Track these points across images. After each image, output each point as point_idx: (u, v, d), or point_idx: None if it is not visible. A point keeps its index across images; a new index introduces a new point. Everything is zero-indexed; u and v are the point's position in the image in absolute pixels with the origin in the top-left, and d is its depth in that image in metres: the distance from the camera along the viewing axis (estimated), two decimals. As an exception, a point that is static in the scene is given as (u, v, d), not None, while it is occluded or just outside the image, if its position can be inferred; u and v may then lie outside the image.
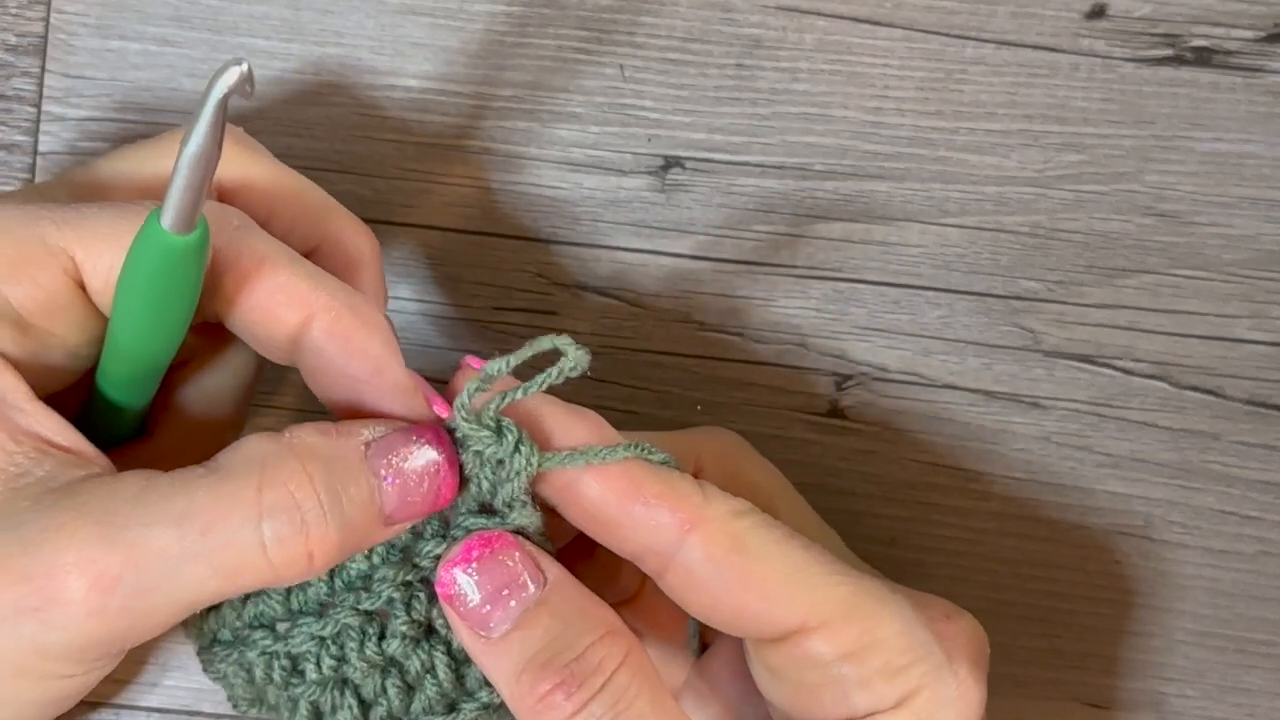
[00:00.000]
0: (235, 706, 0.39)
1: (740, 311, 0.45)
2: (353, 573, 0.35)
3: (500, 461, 0.34)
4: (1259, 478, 0.45)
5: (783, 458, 0.45)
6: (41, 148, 0.44)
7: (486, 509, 0.35)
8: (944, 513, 0.45)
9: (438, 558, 0.34)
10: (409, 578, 0.34)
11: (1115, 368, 0.45)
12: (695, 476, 0.35)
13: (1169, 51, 0.44)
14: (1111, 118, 0.44)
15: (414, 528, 0.35)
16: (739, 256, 0.45)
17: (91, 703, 0.46)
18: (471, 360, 0.35)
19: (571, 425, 0.34)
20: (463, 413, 0.33)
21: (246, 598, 0.36)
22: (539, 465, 0.34)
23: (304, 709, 0.36)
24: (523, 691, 0.32)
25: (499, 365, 0.33)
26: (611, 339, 0.45)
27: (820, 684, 0.34)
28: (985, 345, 0.45)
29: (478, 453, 0.34)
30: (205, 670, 0.38)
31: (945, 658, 0.35)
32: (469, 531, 0.34)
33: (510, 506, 0.34)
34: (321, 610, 0.35)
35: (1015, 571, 0.46)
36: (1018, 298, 0.45)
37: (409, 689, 0.35)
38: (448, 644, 0.35)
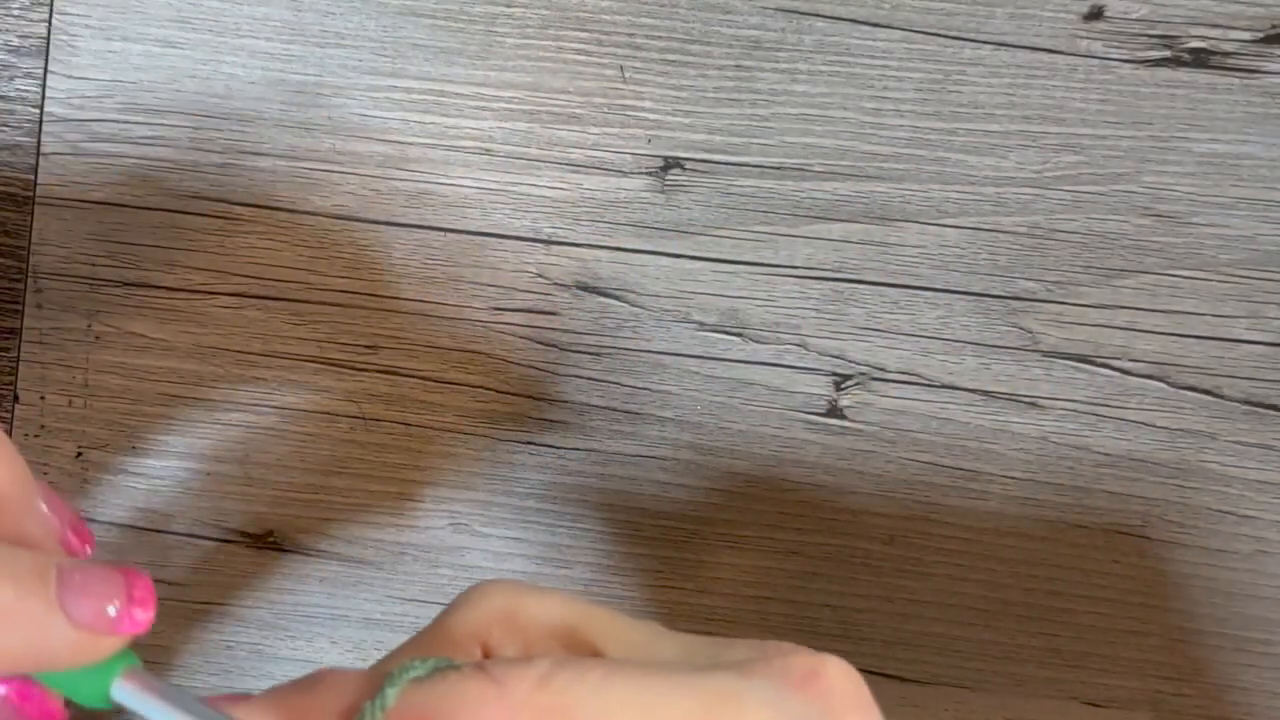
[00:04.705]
0: None
1: (740, 311, 0.45)
2: None
3: None
4: (1256, 477, 0.45)
5: (782, 457, 0.45)
6: (44, 149, 0.45)
7: None
8: (943, 512, 0.46)
9: None
10: None
11: (1113, 368, 0.45)
12: (485, 655, 0.31)
13: (1166, 53, 0.44)
14: (1109, 119, 0.44)
15: None
16: (739, 257, 0.45)
17: (93, 701, 0.46)
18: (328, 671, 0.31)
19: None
20: None
21: None
22: None
23: None
24: None
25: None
26: (611, 339, 0.45)
27: None
28: (983, 345, 0.45)
29: None
30: None
31: None
32: None
33: None
34: None
35: (1014, 571, 0.46)
36: (1016, 298, 0.45)
37: None
38: None
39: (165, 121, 0.44)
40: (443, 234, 0.45)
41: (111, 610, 0.28)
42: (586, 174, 0.44)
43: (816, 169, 0.44)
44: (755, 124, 0.44)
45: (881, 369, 0.45)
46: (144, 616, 0.29)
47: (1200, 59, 0.44)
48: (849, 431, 0.45)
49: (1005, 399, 0.45)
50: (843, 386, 0.45)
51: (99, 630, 0.28)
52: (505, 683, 0.29)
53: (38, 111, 0.44)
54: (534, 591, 0.33)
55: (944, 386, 0.45)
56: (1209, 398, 0.45)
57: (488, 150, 0.44)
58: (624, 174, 0.44)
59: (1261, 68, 0.44)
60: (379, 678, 0.29)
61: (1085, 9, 0.44)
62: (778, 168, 0.44)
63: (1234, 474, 0.45)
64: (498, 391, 0.45)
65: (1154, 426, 0.45)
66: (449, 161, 0.45)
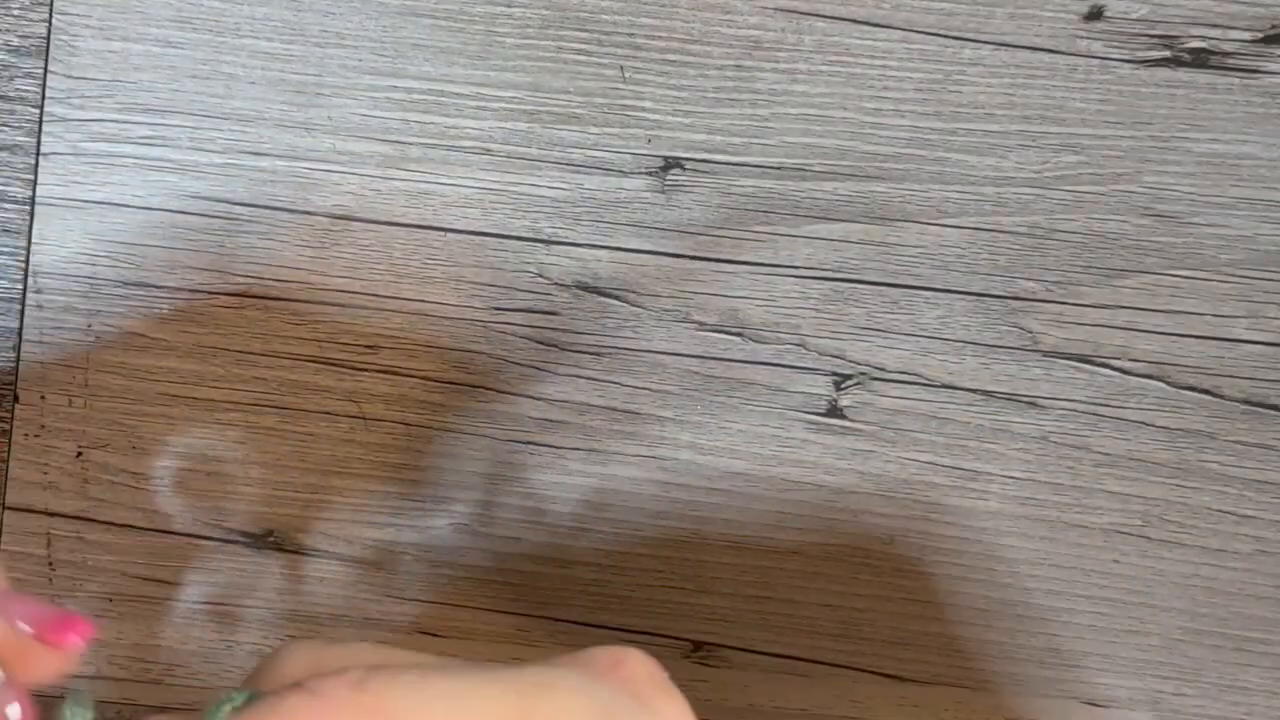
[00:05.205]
0: None
1: (740, 311, 0.45)
2: None
3: None
4: (1255, 477, 0.45)
5: (782, 457, 0.45)
6: (44, 149, 0.45)
7: None
8: (943, 512, 0.46)
9: None
10: None
11: (1113, 368, 0.45)
12: None
13: (1166, 53, 0.44)
14: (1109, 119, 0.44)
15: None
16: (739, 257, 0.45)
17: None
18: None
19: None
20: None
21: None
22: None
23: None
24: None
25: None
26: (611, 339, 0.45)
27: None
28: (983, 345, 0.45)
29: None
30: None
31: (636, 701, 0.33)
32: None
33: None
34: None
35: (1013, 571, 0.46)
36: (1016, 298, 0.45)
37: None
38: None
39: (165, 121, 0.44)
40: (443, 234, 0.45)
41: (40, 621, 0.30)
42: (586, 174, 0.44)
43: (816, 169, 0.44)
44: (755, 124, 0.44)
45: (881, 369, 0.45)
46: (74, 640, 0.30)
47: (1200, 59, 0.44)
48: (849, 431, 0.45)
49: (1005, 399, 0.45)
50: (843, 386, 0.45)
51: (29, 624, 0.30)
52: (322, 691, 0.30)
53: (38, 111, 0.44)
54: (337, 644, 0.35)
55: (944, 386, 0.45)
56: (1209, 398, 0.45)
57: (488, 150, 0.44)
58: (624, 174, 0.44)
59: (1261, 68, 0.44)
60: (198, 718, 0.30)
61: (1085, 9, 0.44)
62: (778, 168, 0.44)
63: (1233, 474, 0.45)
64: (497, 391, 0.45)
65: (1154, 426, 0.45)
66: (449, 161, 0.45)
